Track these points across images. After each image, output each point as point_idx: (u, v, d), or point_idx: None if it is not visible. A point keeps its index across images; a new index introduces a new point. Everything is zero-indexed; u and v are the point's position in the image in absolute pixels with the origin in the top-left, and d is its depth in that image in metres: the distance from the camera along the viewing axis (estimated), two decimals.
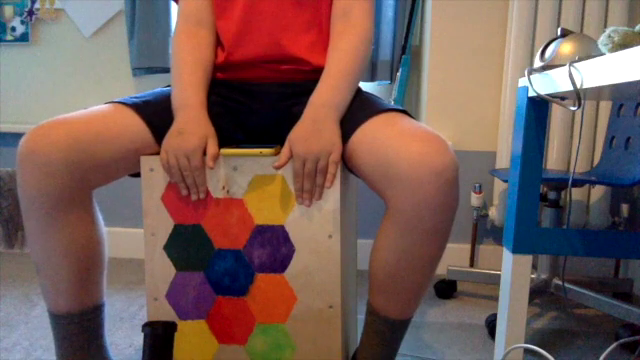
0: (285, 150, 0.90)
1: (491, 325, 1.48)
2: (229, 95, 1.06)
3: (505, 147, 1.91)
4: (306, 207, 0.92)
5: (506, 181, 1.55)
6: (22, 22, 2.15)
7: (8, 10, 2.14)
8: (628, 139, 1.59)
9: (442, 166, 0.81)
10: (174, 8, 2.03)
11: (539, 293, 1.70)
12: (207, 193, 0.94)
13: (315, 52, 1.02)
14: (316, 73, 0.98)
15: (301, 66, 1.02)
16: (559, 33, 1.08)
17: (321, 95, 0.94)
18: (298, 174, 0.90)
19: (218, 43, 1.07)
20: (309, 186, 0.90)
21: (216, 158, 0.92)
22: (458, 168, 0.84)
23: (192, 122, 0.93)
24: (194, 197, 0.93)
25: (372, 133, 0.90)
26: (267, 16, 1.01)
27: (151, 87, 1.06)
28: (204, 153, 0.91)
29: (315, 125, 0.91)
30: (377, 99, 1.02)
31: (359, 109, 0.95)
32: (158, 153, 0.95)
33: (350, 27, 0.99)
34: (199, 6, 1.04)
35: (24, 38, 2.16)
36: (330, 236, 0.92)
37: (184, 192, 0.93)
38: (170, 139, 0.92)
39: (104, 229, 0.97)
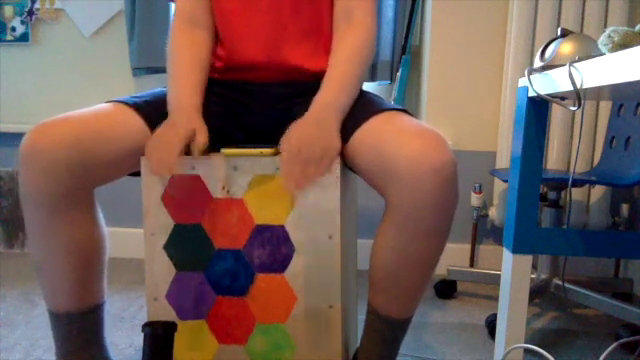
0: (284, 140, 0.89)
1: (491, 325, 1.48)
2: (229, 95, 1.06)
3: (505, 147, 1.91)
4: (290, 191, 0.90)
5: (506, 181, 1.55)
6: (22, 22, 2.15)
7: (8, 10, 2.14)
8: (628, 139, 1.59)
9: (441, 163, 0.81)
10: (174, 8, 2.03)
11: (539, 293, 1.70)
12: (206, 195, 0.94)
13: (315, 59, 1.02)
14: (317, 77, 0.97)
15: (301, 72, 1.02)
16: (559, 33, 1.08)
17: (325, 95, 0.94)
18: (290, 158, 0.87)
19: (217, 45, 1.07)
20: (298, 171, 0.87)
21: (202, 150, 0.92)
22: (456, 165, 0.84)
23: (184, 118, 0.93)
24: (156, 172, 0.91)
25: (372, 132, 0.90)
26: (266, 25, 1.01)
27: (151, 87, 1.07)
28: (188, 149, 0.92)
29: (316, 124, 0.90)
30: (378, 99, 1.02)
31: (360, 109, 0.95)
32: None
33: (353, 28, 0.99)
34: (195, 5, 1.04)
35: (24, 38, 2.16)
36: (330, 236, 0.92)
37: (152, 169, 0.91)
38: (159, 129, 0.92)
39: (105, 228, 0.97)
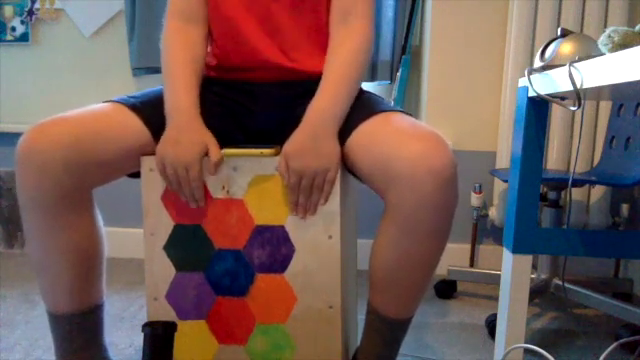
0: (282, 164, 0.90)
1: (491, 325, 1.48)
2: (228, 95, 1.05)
3: (505, 147, 1.91)
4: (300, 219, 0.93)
5: (506, 181, 1.55)
6: (22, 22, 2.15)
7: (8, 10, 2.14)
8: (628, 139, 1.59)
9: (441, 165, 0.81)
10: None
11: (539, 293, 1.70)
12: (206, 195, 0.94)
13: (315, 60, 1.00)
14: (317, 78, 0.96)
15: (302, 73, 1.02)
16: (559, 33, 1.08)
17: (320, 103, 0.92)
18: (293, 189, 0.90)
19: (213, 42, 1.06)
20: (304, 201, 0.90)
21: (219, 165, 0.92)
22: (456, 166, 0.83)
23: (187, 129, 0.91)
24: (193, 205, 0.94)
25: (370, 133, 0.89)
26: (266, 26, 1.00)
27: (151, 87, 1.06)
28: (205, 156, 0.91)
29: (313, 139, 0.89)
30: (377, 99, 1.01)
31: (358, 109, 0.95)
32: None
33: (350, 32, 0.97)
34: (188, 1, 1.02)
35: (24, 38, 2.16)
36: (330, 236, 0.92)
37: (183, 199, 0.93)
38: (166, 147, 0.90)
39: (103, 229, 0.97)
